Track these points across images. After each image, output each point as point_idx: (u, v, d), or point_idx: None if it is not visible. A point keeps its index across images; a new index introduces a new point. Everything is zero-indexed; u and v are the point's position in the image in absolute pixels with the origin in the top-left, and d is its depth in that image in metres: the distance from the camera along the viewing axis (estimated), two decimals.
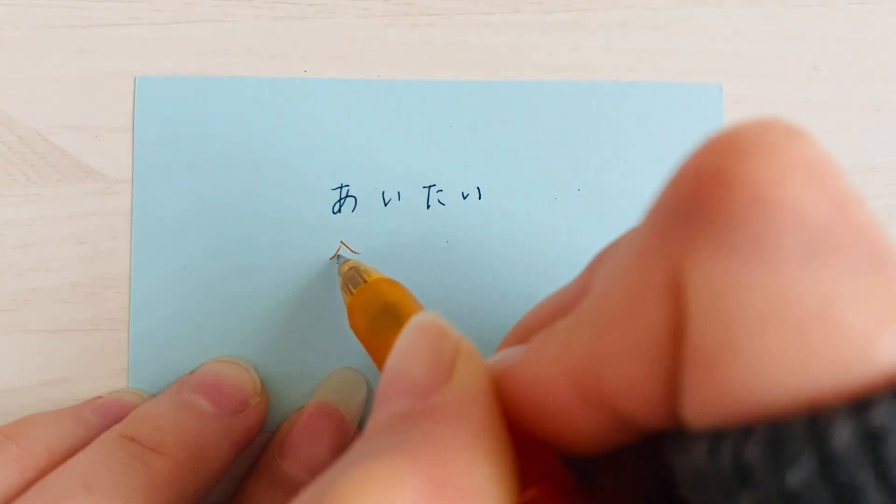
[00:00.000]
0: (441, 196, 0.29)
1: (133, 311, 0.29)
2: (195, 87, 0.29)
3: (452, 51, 0.30)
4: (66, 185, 0.29)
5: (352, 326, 0.25)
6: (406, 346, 0.15)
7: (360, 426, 0.29)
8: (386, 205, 0.29)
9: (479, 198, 0.29)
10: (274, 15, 0.30)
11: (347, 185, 0.29)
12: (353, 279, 0.26)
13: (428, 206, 0.29)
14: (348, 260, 0.28)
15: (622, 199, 0.29)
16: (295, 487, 0.27)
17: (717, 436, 0.12)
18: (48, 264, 0.29)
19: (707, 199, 0.12)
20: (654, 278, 0.12)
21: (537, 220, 0.29)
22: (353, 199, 0.29)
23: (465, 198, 0.29)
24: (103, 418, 0.27)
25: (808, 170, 0.12)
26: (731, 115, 0.29)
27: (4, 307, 0.29)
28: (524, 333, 0.20)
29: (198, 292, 0.29)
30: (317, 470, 0.27)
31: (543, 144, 0.29)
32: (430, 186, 0.29)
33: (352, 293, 0.25)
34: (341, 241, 0.29)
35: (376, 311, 0.23)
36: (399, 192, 0.29)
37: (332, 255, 0.29)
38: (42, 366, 0.29)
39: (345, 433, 0.28)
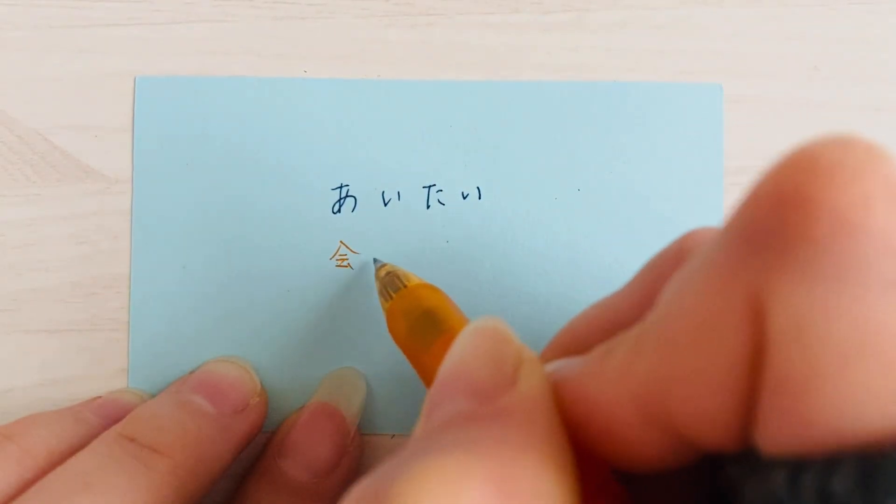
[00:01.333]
0: (441, 196, 0.29)
1: (133, 311, 0.29)
2: (195, 87, 0.29)
3: (452, 51, 0.30)
4: (66, 185, 0.29)
5: (391, 331, 0.25)
6: (468, 348, 0.15)
7: (360, 426, 0.29)
8: (386, 205, 0.29)
9: (479, 198, 0.29)
10: (274, 15, 0.30)
11: (347, 185, 0.29)
12: (392, 284, 0.25)
13: (428, 206, 0.29)
14: (385, 264, 0.28)
15: (622, 199, 0.29)
16: (295, 487, 0.27)
17: (798, 465, 0.11)
18: (48, 264, 0.29)
19: (789, 223, 0.12)
20: (733, 303, 0.12)
21: (537, 220, 0.29)
22: (352, 199, 0.29)
23: (464, 198, 0.29)
24: (103, 418, 0.27)
25: (893, 193, 0.12)
26: (731, 115, 0.29)
27: (4, 307, 0.29)
28: (570, 342, 0.19)
29: (198, 292, 0.29)
30: (317, 470, 0.27)
31: (543, 144, 0.29)
32: (429, 186, 0.29)
33: (390, 298, 0.25)
34: (341, 241, 0.29)
35: (416, 317, 0.23)
36: (399, 192, 0.29)
37: (332, 255, 0.29)
38: (42, 366, 0.29)
39: (345, 433, 0.28)
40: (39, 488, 0.22)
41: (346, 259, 0.29)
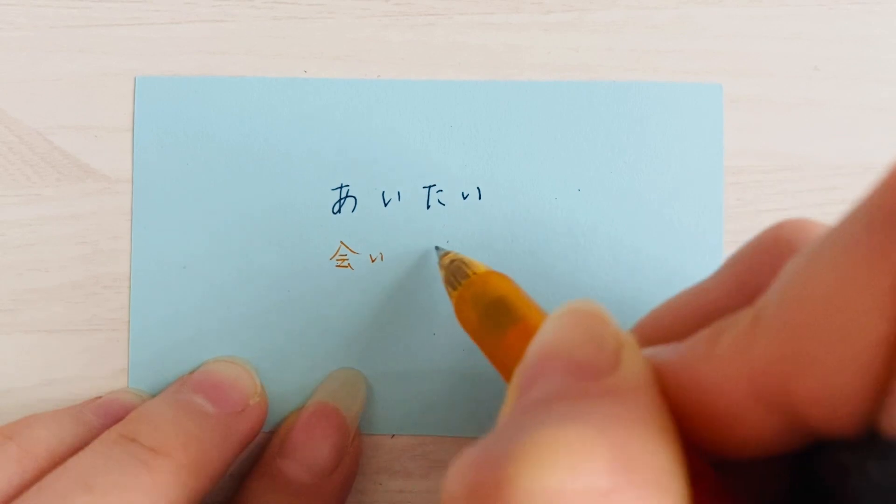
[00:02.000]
0: (441, 196, 0.29)
1: (133, 311, 0.29)
2: (195, 86, 0.29)
3: (452, 51, 0.30)
4: (66, 185, 0.29)
5: (460, 320, 0.24)
6: (565, 327, 0.15)
7: (360, 426, 0.29)
8: (386, 205, 0.29)
9: (479, 198, 0.29)
10: (274, 15, 0.30)
11: (347, 185, 0.29)
12: (459, 272, 0.25)
13: (428, 206, 0.29)
14: (448, 252, 0.27)
15: (622, 199, 0.29)
16: (295, 487, 0.27)
17: None
18: (48, 264, 0.29)
19: None
20: (875, 284, 0.12)
21: (537, 220, 0.29)
22: (353, 199, 0.29)
23: (465, 198, 0.29)
24: (103, 418, 0.27)
25: None
26: (731, 115, 0.29)
27: (4, 307, 0.29)
28: (654, 331, 0.19)
29: (198, 292, 0.29)
30: (317, 470, 0.27)
31: (543, 144, 0.29)
32: (430, 186, 0.29)
33: (458, 286, 0.25)
34: (341, 241, 0.29)
35: (487, 305, 0.23)
36: (399, 192, 0.29)
37: (332, 255, 0.29)
38: (42, 366, 0.29)
39: (345, 433, 0.28)
40: (40, 488, 0.22)
41: (347, 259, 0.29)
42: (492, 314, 0.22)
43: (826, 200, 0.29)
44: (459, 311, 0.24)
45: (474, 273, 0.25)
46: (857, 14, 0.29)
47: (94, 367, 0.29)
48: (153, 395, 0.28)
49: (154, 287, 0.29)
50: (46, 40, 0.30)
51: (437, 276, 0.29)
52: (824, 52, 0.29)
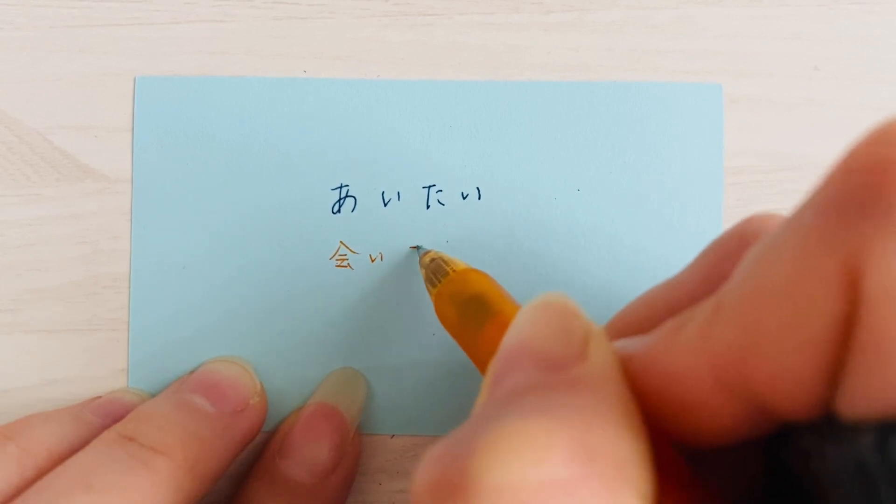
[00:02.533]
0: (441, 196, 0.29)
1: (133, 310, 0.29)
2: (195, 86, 0.29)
3: (452, 51, 0.30)
4: (66, 185, 0.29)
5: (439, 316, 0.25)
6: (535, 321, 0.15)
7: (360, 426, 0.29)
8: (386, 205, 0.29)
9: (479, 198, 0.29)
10: (274, 15, 0.30)
11: (347, 185, 0.29)
12: (439, 269, 0.25)
13: (428, 206, 0.29)
14: (429, 251, 0.28)
15: (622, 199, 0.29)
16: (294, 487, 0.27)
17: (885, 428, 0.12)
18: (48, 264, 0.29)
19: (885, 189, 0.12)
20: (826, 268, 0.12)
21: (537, 220, 0.29)
22: (352, 199, 0.29)
23: (464, 198, 0.29)
24: (103, 418, 0.27)
25: None
26: (731, 115, 0.29)
27: (4, 307, 0.29)
28: (628, 324, 0.20)
29: (198, 292, 0.29)
30: (317, 470, 0.27)
31: (543, 144, 0.29)
32: (429, 186, 0.29)
33: (437, 284, 0.25)
34: (341, 241, 0.29)
35: (465, 301, 0.23)
36: (399, 192, 0.29)
37: (332, 255, 0.29)
38: (42, 366, 0.29)
39: (345, 433, 0.28)
40: (39, 488, 0.22)
41: (346, 259, 0.29)
42: (469, 310, 0.23)
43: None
44: (439, 308, 0.25)
45: (453, 270, 0.25)
46: (857, 14, 0.29)
47: (94, 367, 0.29)
48: (153, 395, 0.28)
49: (154, 287, 0.29)
50: (46, 40, 0.30)
51: None
52: (824, 52, 0.29)
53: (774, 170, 0.29)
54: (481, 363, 0.21)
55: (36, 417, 0.26)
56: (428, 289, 0.26)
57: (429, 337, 0.29)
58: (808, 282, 0.12)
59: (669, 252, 0.29)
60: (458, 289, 0.24)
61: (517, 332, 0.15)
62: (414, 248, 0.29)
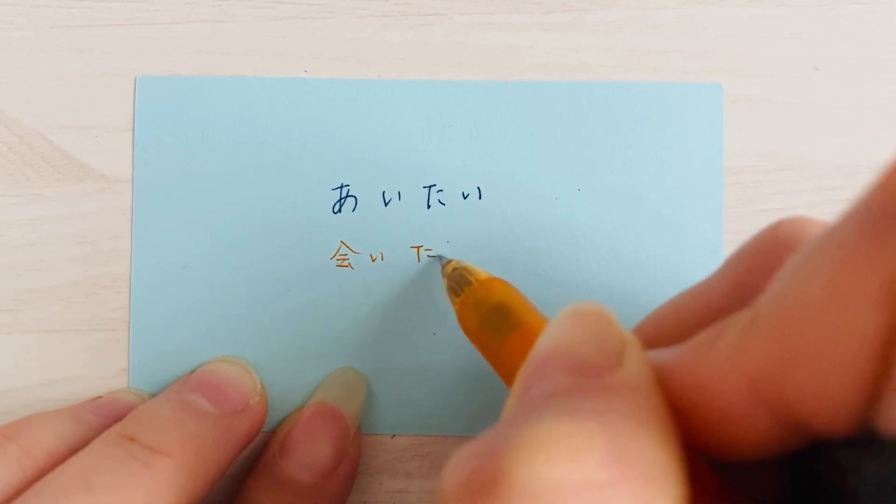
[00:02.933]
0: (441, 196, 0.29)
1: (133, 310, 0.29)
2: (195, 86, 0.29)
3: (452, 51, 0.30)
4: (66, 185, 0.29)
5: (462, 326, 0.25)
6: (569, 328, 0.15)
7: (360, 426, 0.29)
8: (386, 204, 0.29)
9: (480, 198, 0.29)
10: (274, 15, 0.30)
11: (348, 185, 0.29)
12: (461, 279, 0.25)
13: (428, 206, 0.29)
14: (451, 260, 0.28)
15: (622, 199, 0.29)
16: (295, 487, 0.27)
17: None
18: (48, 264, 0.29)
19: None
20: (868, 284, 0.12)
21: (538, 220, 0.29)
22: (353, 199, 0.29)
23: (465, 198, 0.29)
24: (103, 418, 0.27)
25: None
26: (731, 115, 0.29)
27: (4, 307, 0.29)
28: (655, 332, 0.19)
29: (198, 292, 0.29)
30: (317, 470, 0.27)
31: (544, 144, 0.29)
32: (430, 186, 0.29)
33: (460, 293, 0.25)
34: (341, 241, 0.29)
35: (488, 311, 0.23)
36: (399, 192, 0.29)
37: (333, 255, 0.29)
38: (42, 366, 0.29)
39: (345, 434, 0.28)
40: (40, 488, 0.22)
41: (347, 259, 0.29)
42: (493, 320, 0.23)
43: (826, 200, 0.29)
44: (462, 318, 0.25)
45: (476, 280, 0.25)
46: (857, 14, 0.29)
47: (94, 367, 0.29)
48: (154, 395, 0.28)
49: (154, 287, 0.29)
50: (46, 40, 0.30)
51: (438, 277, 0.29)
52: (824, 52, 0.29)
53: (774, 170, 0.29)
54: (506, 373, 0.21)
55: (36, 417, 0.26)
56: (451, 298, 0.26)
57: (429, 337, 0.29)
58: (850, 298, 0.12)
59: (669, 252, 0.29)
60: (482, 298, 0.24)
61: (551, 339, 0.15)
62: (434, 256, 0.29)
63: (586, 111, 0.29)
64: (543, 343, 0.15)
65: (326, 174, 0.29)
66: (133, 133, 0.29)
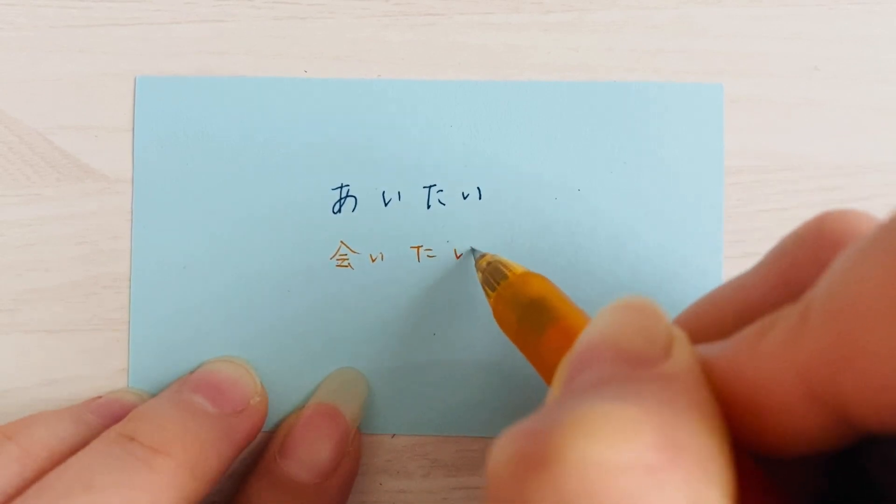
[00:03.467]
0: (441, 196, 0.29)
1: (133, 310, 0.29)
2: (195, 86, 0.29)
3: (452, 51, 0.30)
4: (66, 185, 0.29)
5: (498, 321, 0.24)
6: (617, 319, 0.15)
7: (360, 426, 0.29)
8: (386, 205, 0.29)
9: (480, 198, 0.29)
10: (274, 15, 0.30)
11: (348, 185, 0.29)
12: (497, 273, 0.25)
13: (428, 206, 0.29)
14: (485, 254, 0.27)
15: (622, 199, 0.29)
16: (295, 487, 0.27)
17: None
18: (48, 264, 0.29)
19: None
20: None
21: (538, 220, 0.29)
22: (353, 199, 0.29)
23: (465, 198, 0.29)
24: (103, 418, 0.27)
25: None
26: (731, 115, 0.29)
27: (4, 307, 0.29)
28: (696, 325, 0.19)
29: (198, 292, 0.29)
30: (317, 470, 0.27)
31: (544, 144, 0.29)
32: (430, 186, 0.29)
33: (496, 287, 0.25)
34: (341, 241, 0.29)
35: (525, 305, 0.23)
36: (399, 192, 0.29)
37: (332, 255, 0.29)
38: (42, 366, 0.29)
39: (345, 433, 0.28)
40: (39, 487, 0.22)
41: (347, 259, 0.29)
42: (530, 315, 0.22)
43: (826, 200, 0.29)
44: (497, 313, 0.24)
45: (513, 273, 0.25)
46: (857, 14, 0.29)
47: (94, 367, 0.29)
48: (154, 395, 0.28)
49: (154, 287, 0.29)
50: (46, 40, 0.30)
51: (437, 276, 0.29)
52: (824, 52, 0.29)
53: (774, 170, 0.29)
54: (544, 368, 0.21)
55: (36, 417, 0.26)
56: (486, 292, 0.26)
57: (429, 336, 0.29)
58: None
59: (670, 251, 0.29)
60: (518, 292, 0.24)
61: (598, 329, 0.15)
62: (468, 251, 0.29)
63: (586, 111, 0.29)
64: (589, 333, 0.15)
65: (326, 174, 0.29)
66: (133, 133, 0.29)
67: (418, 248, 0.29)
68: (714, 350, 0.15)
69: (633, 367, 0.14)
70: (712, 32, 0.29)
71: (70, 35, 0.30)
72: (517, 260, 0.29)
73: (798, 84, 0.29)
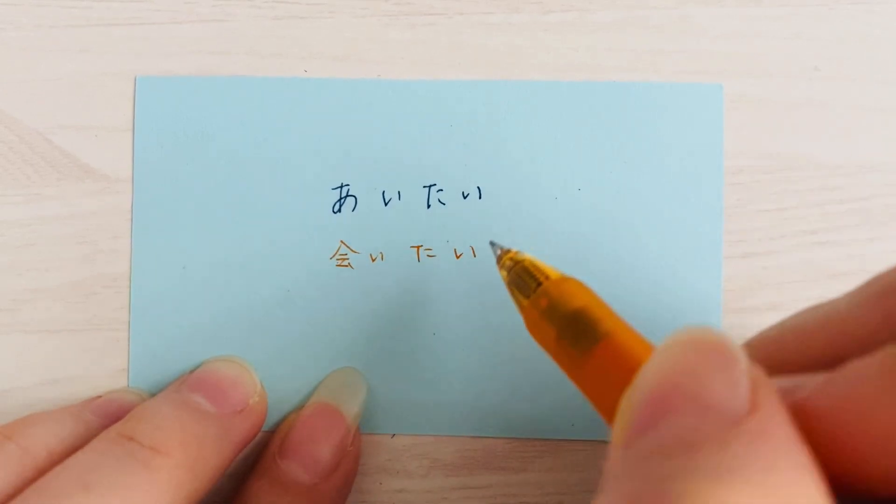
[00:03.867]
0: (441, 196, 0.29)
1: (133, 310, 0.29)
2: (195, 86, 0.29)
3: (452, 51, 0.30)
4: (66, 185, 0.29)
5: (533, 334, 0.22)
6: (691, 360, 0.14)
7: (360, 426, 0.29)
8: (386, 204, 0.29)
9: (480, 197, 0.29)
10: (274, 14, 0.30)
11: (348, 185, 0.29)
12: (527, 276, 0.23)
13: (428, 206, 0.29)
14: (508, 251, 0.24)
15: (623, 200, 0.29)
16: (295, 487, 0.26)
17: None
18: (48, 264, 0.29)
19: None
20: None
21: (538, 220, 0.29)
22: (353, 199, 0.29)
23: (465, 197, 0.29)
24: (103, 418, 0.27)
25: None
26: (731, 115, 0.29)
27: (4, 307, 0.29)
28: (774, 353, 0.18)
29: (197, 292, 0.29)
30: (317, 470, 0.27)
31: (544, 144, 0.29)
32: (430, 186, 0.29)
33: (529, 293, 0.22)
34: (341, 241, 0.29)
35: (567, 318, 0.20)
36: (399, 192, 0.29)
37: (332, 254, 0.29)
38: (42, 366, 0.29)
39: (345, 433, 0.28)
40: (39, 487, 0.22)
41: (347, 259, 0.29)
42: (572, 329, 0.20)
43: (826, 200, 0.29)
44: (532, 325, 0.22)
45: (547, 279, 0.22)
46: (857, 14, 0.29)
47: (94, 367, 0.29)
48: (153, 395, 0.28)
49: (154, 287, 0.29)
50: (46, 40, 0.30)
51: (437, 276, 0.29)
52: (824, 52, 0.29)
53: (774, 170, 0.29)
54: (590, 389, 0.19)
55: (35, 417, 0.26)
56: (515, 299, 0.23)
57: (429, 336, 0.29)
58: None
59: (669, 252, 0.29)
60: (557, 302, 0.21)
61: (666, 370, 0.14)
62: (490, 245, 0.26)
63: (586, 111, 0.29)
64: (656, 374, 0.14)
65: (326, 174, 0.29)
66: (133, 133, 0.29)
67: (418, 247, 0.29)
68: (809, 386, 0.14)
69: (719, 422, 0.13)
70: (712, 32, 0.29)
71: (70, 35, 0.30)
72: None
73: (798, 84, 0.29)
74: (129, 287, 0.29)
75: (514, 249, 0.24)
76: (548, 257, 0.29)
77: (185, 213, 0.29)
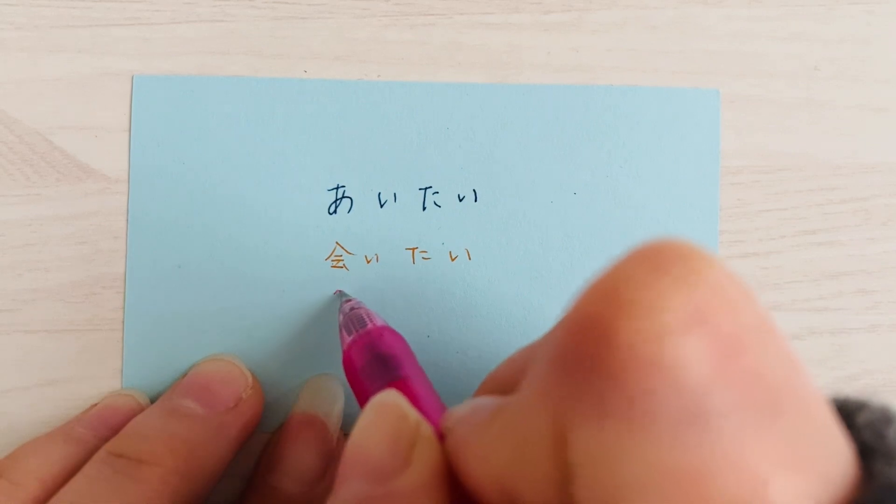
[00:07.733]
0: (437, 198, 0.29)
1: (127, 310, 0.29)
2: (193, 86, 0.29)
3: (452, 51, 0.29)
4: (65, 185, 0.29)
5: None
6: (367, 425, 0.16)
7: (343, 429, 0.29)
8: (382, 206, 0.29)
9: (475, 200, 0.29)
10: (274, 15, 0.29)
11: (343, 186, 0.29)
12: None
13: (424, 208, 0.29)
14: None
15: (618, 203, 0.29)
16: (286, 499, 0.26)
17: None
18: (48, 264, 0.29)
19: (586, 354, 0.11)
20: (541, 429, 0.12)
21: (533, 223, 0.29)
22: (349, 200, 0.29)
23: (461, 200, 0.29)
24: (96, 430, 0.26)
25: (693, 320, 0.11)
26: (729, 115, 0.29)
27: (4, 307, 0.29)
28: (501, 381, 0.20)
29: (193, 292, 0.29)
30: (305, 479, 0.27)
31: (540, 147, 0.29)
32: (426, 188, 0.29)
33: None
34: (337, 242, 0.29)
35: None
36: (395, 194, 0.29)
37: (328, 256, 0.29)
38: (42, 366, 0.29)
39: (328, 440, 0.27)
40: None
41: (342, 260, 0.29)
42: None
43: (826, 200, 0.29)
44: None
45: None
46: (857, 14, 0.29)
47: (93, 367, 0.29)
48: (147, 395, 0.28)
49: (149, 287, 0.29)
50: (46, 40, 0.29)
51: (432, 279, 0.29)
52: (824, 52, 0.29)
53: (774, 170, 0.29)
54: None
55: (25, 448, 0.25)
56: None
57: (423, 339, 0.29)
58: (530, 440, 0.12)
59: None
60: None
61: (354, 437, 0.16)
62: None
63: (583, 115, 0.29)
64: (350, 441, 0.16)
65: (322, 175, 0.29)
66: (130, 133, 0.29)
67: (413, 249, 0.29)
68: (467, 429, 0.15)
69: (374, 482, 0.14)
70: (712, 33, 0.29)
71: (70, 35, 0.29)
72: (513, 262, 0.28)
73: (798, 84, 0.29)
74: (125, 286, 0.29)
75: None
76: (543, 261, 0.28)
77: (182, 213, 0.29)
